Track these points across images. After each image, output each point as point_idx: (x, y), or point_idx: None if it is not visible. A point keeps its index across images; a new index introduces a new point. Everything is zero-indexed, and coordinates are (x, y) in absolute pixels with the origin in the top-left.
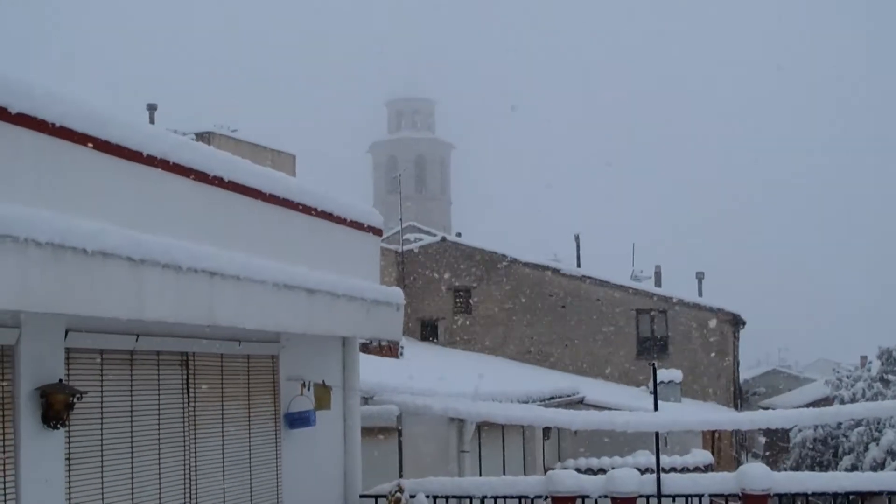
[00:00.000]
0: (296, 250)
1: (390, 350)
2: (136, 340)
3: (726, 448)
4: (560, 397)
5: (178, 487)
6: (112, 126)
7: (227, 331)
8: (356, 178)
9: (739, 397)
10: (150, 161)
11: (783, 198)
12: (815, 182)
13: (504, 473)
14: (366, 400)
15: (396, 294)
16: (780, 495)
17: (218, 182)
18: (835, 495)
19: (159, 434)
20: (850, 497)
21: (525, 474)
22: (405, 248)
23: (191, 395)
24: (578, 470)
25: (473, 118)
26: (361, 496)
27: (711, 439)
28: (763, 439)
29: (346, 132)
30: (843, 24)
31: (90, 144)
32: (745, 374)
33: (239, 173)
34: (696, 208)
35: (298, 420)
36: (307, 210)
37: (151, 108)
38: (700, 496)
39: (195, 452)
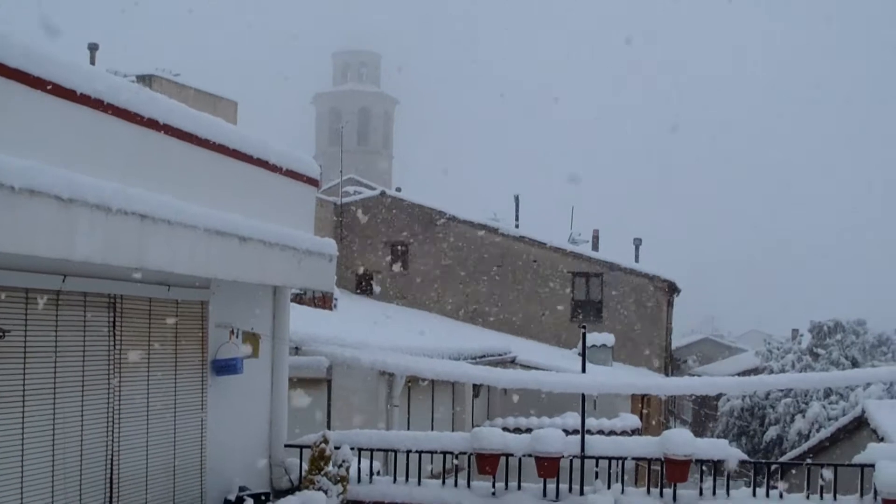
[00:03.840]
0: (230, 197)
1: (324, 302)
2: (63, 281)
3: (655, 414)
4: (491, 356)
5: (101, 430)
6: (47, 64)
7: (156, 275)
8: (299, 128)
9: (671, 364)
10: (85, 101)
11: (722, 169)
12: (754, 153)
13: (432, 429)
14: (296, 350)
15: (330, 245)
16: (701, 461)
17: (153, 125)
18: (755, 463)
19: (83, 376)
20: (772, 468)
21: (453, 431)
22: (344, 200)
23: (117, 338)
24: (506, 429)
25: (422, 74)
26: (286, 446)
27: (640, 405)
28: (692, 407)
29: (291, 83)
30: None
31: (23, 81)
32: (677, 342)
33: (175, 117)
34: (636, 175)
35: (226, 367)
36: (243, 157)
37: (92, 48)
38: (623, 459)
39: (119, 396)
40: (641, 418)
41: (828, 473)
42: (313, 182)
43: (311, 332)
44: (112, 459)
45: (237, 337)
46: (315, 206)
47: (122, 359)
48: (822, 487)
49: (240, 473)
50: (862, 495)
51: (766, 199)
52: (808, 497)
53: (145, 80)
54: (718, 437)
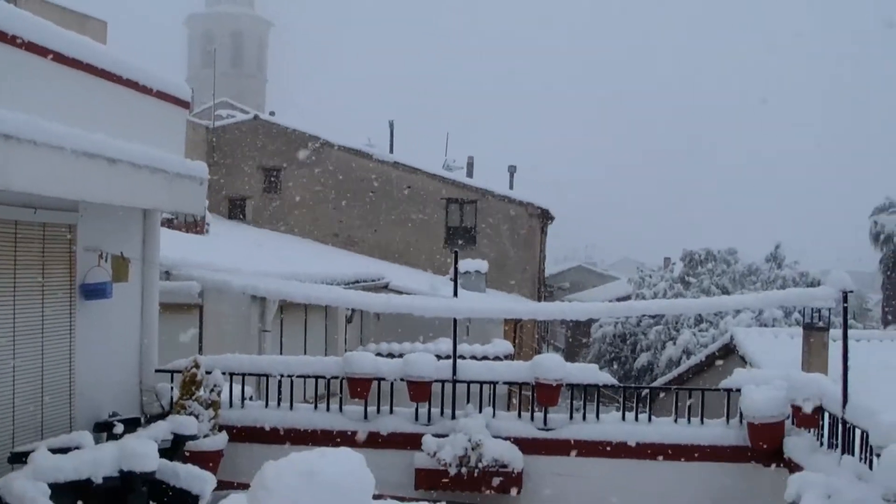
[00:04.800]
0: (98, 118)
1: (196, 226)
2: None
3: (528, 341)
4: (365, 281)
5: None
6: None
7: (21, 197)
8: (171, 51)
9: (544, 291)
10: None
11: (597, 99)
12: (629, 83)
13: (305, 354)
14: (167, 275)
15: (200, 168)
16: (572, 385)
17: (17, 42)
18: (625, 388)
19: None
20: (641, 393)
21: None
22: (217, 124)
23: None
24: (380, 354)
25: None
26: (157, 371)
27: (514, 331)
28: (565, 333)
29: (163, 3)
30: None
31: None
32: (551, 269)
33: (41, 35)
34: (512, 100)
35: (94, 291)
36: (112, 78)
37: None
38: (495, 383)
39: None
40: (514, 344)
41: (696, 398)
42: (184, 104)
43: (182, 256)
44: None
45: (106, 261)
46: (186, 129)
47: None
48: (689, 411)
49: (110, 399)
50: (728, 419)
51: (640, 131)
52: (675, 421)
53: None
54: (590, 363)
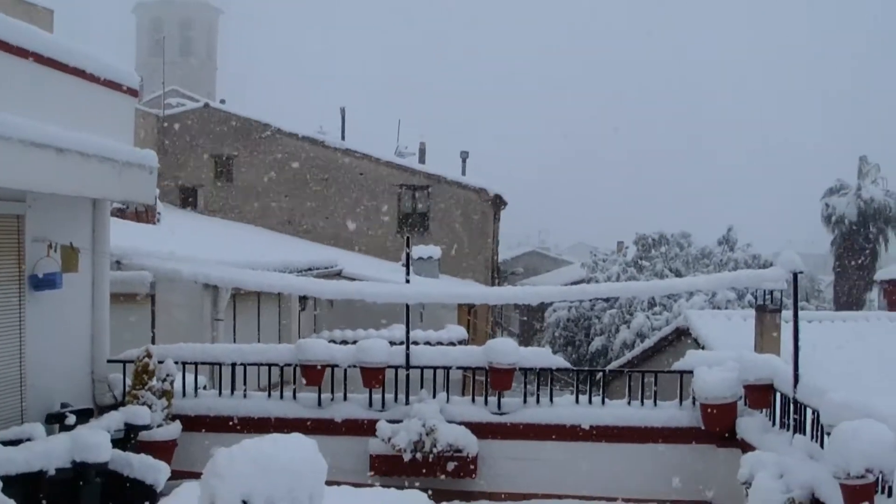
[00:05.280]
0: (46, 107)
1: (147, 216)
2: None
3: (483, 326)
4: (318, 269)
5: None
6: None
7: None
8: (119, 39)
9: (497, 276)
10: None
11: (551, 80)
12: (582, 70)
13: (259, 343)
14: (118, 265)
15: (150, 157)
16: (525, 369)
17: None
18: (577, 371)
19: None
20: (596, 375)
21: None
22: (167, 112)
23: None
24: (333, 341)
25: None
26: (109, 361)
27: (467, 316)
28: (519, 318)
29: None
30: None
31: None
32: (504, 254)
33: None
34: (463, 87)
35: (44, 282)
36: (59, 66)
37: None
38: (448, 368)
39: None
40: (469, 330)
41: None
42: (133, 92)
43: (133, 246)
44: None
45: (55, 251)
46: (135, 118)
47: None
48: (642, 393)
49: (62, 390)
50: (681, 401)
51: (592, 118)
52: (629, 403)
53: None
54: (545, 347)
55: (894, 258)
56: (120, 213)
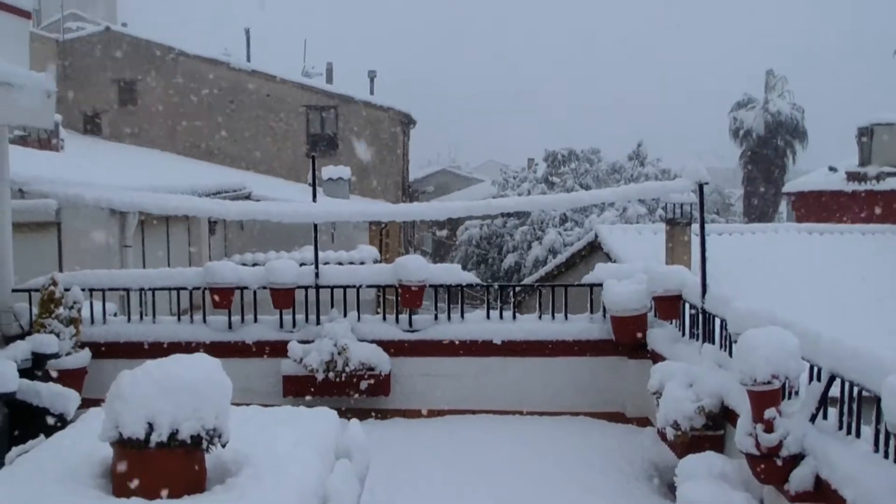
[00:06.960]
0: None
1: (49, 143)
2: None
3: (395, 246)
4: (226, 192)
5: None
6: None
7: None
8: None
9: (408, 196)
10: None
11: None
12: None
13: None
14: (21, 193)
15: (46, 80)
16: (436, 286)
17: None
18: (487, 286)
19: None
20: (507, 290)
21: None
22: (67, 37)
23: None
24: (244, 264)
25: None
26: (14, 290)
27: (379, 237)
28: (432, 238)
29: None
30: None
31: None
32: (415, 174)
33: None
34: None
35: None
36: None
37: None
38: (358, 287)
39: None
40: (381, 250)
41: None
42: (25, 14)
43: (35, 173)
44: None
45: None
46: (33, 44)
47: None
48: (553, 308)
49: None
50: (592, 313)
51: (504, 35)
52: (540, 317)
53: None
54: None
55: (802, 171)
56: (22, 141)
